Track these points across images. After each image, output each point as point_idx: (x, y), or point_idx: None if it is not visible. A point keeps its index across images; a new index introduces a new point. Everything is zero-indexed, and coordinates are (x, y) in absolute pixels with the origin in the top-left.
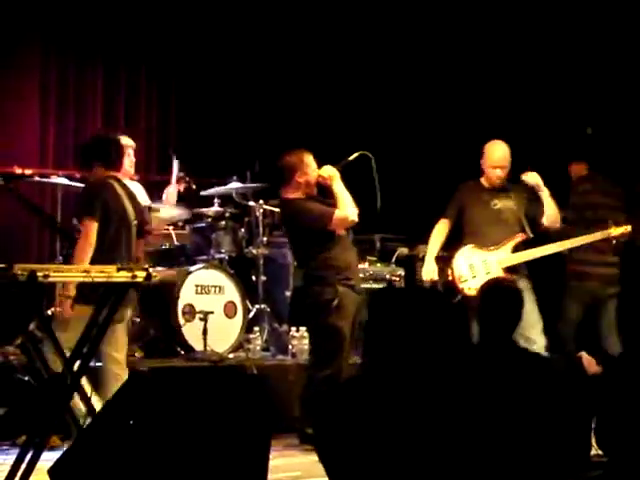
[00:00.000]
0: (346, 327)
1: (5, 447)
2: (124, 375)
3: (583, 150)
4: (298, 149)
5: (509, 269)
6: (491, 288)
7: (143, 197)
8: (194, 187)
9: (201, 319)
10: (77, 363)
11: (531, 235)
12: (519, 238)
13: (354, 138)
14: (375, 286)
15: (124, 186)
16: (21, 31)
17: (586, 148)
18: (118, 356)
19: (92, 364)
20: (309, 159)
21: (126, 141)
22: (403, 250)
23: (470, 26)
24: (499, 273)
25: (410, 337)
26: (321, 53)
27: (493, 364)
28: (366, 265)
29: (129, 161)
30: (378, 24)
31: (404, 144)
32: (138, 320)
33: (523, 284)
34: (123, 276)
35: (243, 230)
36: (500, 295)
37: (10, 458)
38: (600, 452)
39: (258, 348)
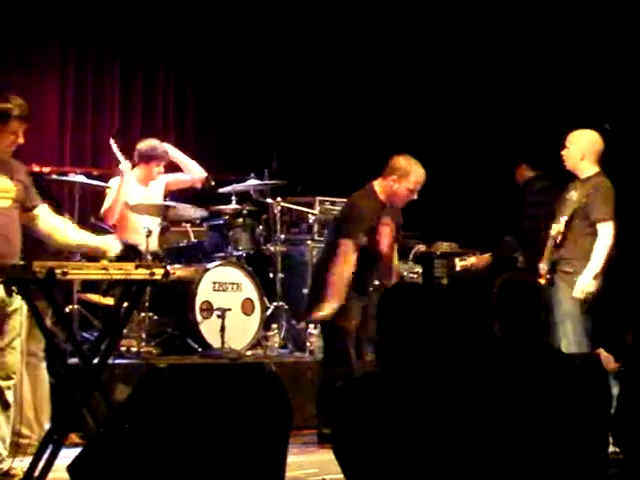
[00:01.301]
0: (350, 327)
1: None
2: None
3: (523, 151)
4: (417, 161)
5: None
6: (505, 283)
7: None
8: (212, 184)
9: (219, 316)
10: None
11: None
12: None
13: (373, 136)
14: None
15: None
16: (40, 29)
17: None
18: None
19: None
20: (417, 177)
21: (163, 149)
22: (420, 247)
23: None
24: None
25: (421, 333)
26: (341, 51)
27: (510, 360)
28: None
29: (157, 170)
30: (408, 22)
31: (420, 139)
32: (156, 317)
33: (559, 282)
34: (141, 273)
35: (261, 227)
36: (515, 290)
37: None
38: (617, 449)
39: (276, 345)
